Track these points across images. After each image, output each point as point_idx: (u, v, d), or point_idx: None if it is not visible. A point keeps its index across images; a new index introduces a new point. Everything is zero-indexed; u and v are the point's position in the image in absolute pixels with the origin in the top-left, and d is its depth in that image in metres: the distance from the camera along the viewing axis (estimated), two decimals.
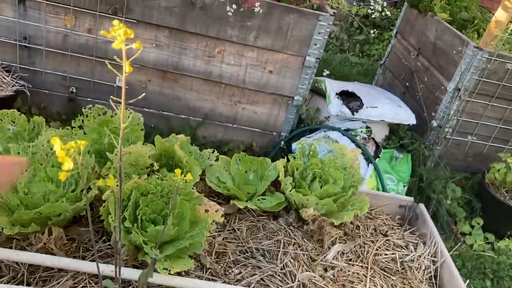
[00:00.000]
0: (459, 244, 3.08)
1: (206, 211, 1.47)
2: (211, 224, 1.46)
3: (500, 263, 2.94)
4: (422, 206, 1.94)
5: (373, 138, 3.17)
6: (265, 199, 1.70)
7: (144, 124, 1.75)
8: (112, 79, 2.81)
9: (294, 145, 2.94)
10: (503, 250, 3.11)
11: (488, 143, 3.30)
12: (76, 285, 1.27)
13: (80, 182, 1.39)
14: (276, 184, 1.80)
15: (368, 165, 2.96)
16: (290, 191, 1.69)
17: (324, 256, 1.64)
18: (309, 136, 3.11)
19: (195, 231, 1.38)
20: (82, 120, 1.69)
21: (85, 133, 1.65)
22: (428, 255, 1.77)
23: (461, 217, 3.19)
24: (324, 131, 3.10)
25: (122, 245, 1.18)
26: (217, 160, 1.81)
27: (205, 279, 1.38)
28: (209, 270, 1.42)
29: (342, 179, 1.78)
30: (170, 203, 1.40)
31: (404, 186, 3.04)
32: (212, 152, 1.82)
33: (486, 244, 3.15)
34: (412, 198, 1.98)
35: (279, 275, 1.49)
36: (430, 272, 1.72)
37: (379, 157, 3.07)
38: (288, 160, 1.84)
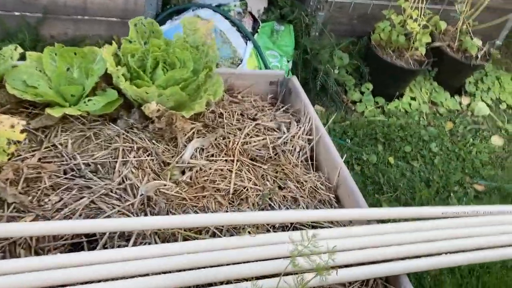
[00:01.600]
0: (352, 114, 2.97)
1: None
2: (7, 144, 1.08)
3: (390, 126, 2.89)
4: (294, 79, 1.67)
5: (249, 12, 2.80)
6: (91, 99, 1.32)
7: None
8: None
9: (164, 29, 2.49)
10: (392, 112, 3.06)
11: (372, 1, 3.06)
12: None
13: None
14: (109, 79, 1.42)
15: (246, 43, 2.63)
16: (124, 84, 1.32)
17: (180, 157, 1.34)
18: (176, 18, 2.66)
19: None
20: None
21: None
22: (302, 134, 1.54)
23: (351, 85, 3.05)
24: (193, 10, 2.66)
25: None
26: (23, 58, 1.37)
27: (6, 219, 1.04)
28: (13, 204, 1.07)
29: (192, 61, 1.43)
30: None
31: (288, 61, 2.77)
32: (15, 49, 1.36)
33: (377, 108, 3.08)
34: (283, 72, 1.70)
35: (116, 193, 1.18)
36: (306, 153, 1.51)
37: (258, 32, 2.74)
38: (120, 45, 1.44)
